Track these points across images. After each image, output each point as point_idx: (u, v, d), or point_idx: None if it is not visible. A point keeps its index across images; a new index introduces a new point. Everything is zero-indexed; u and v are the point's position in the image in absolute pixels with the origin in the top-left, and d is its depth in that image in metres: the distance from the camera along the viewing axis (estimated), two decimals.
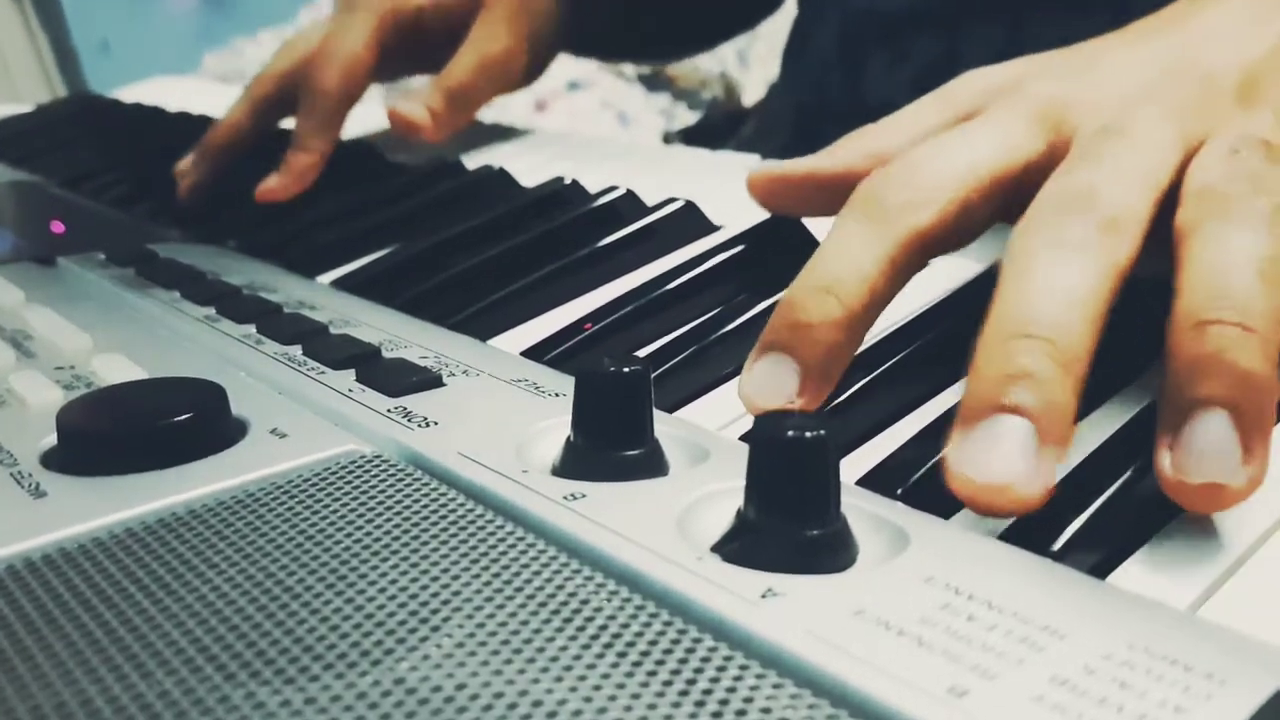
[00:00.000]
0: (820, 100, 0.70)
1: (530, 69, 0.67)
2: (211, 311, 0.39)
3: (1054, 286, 0.26)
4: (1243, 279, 0.25)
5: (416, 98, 0.59)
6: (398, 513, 0.24)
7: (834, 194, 0.34)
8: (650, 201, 0.47)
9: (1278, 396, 0.24)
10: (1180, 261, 0.26)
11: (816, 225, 0.42)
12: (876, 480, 0.27)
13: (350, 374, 0.32)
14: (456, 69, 0.61)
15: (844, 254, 0.29)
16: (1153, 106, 0.31)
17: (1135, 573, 0.23)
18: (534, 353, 0.37)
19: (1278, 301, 0.25)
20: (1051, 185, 0.29)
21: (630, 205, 0.48)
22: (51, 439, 0.28)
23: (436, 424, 0.28)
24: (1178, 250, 0.27)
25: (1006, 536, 0.24)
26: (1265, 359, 0.24)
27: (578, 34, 0.70)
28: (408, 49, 0.64)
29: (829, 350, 0.28)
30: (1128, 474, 0.25)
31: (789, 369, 0.28)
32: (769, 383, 0.28)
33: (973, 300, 0.33)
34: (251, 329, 0.37)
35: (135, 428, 0.27)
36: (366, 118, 0.74)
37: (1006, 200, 0.31)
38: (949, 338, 0.33)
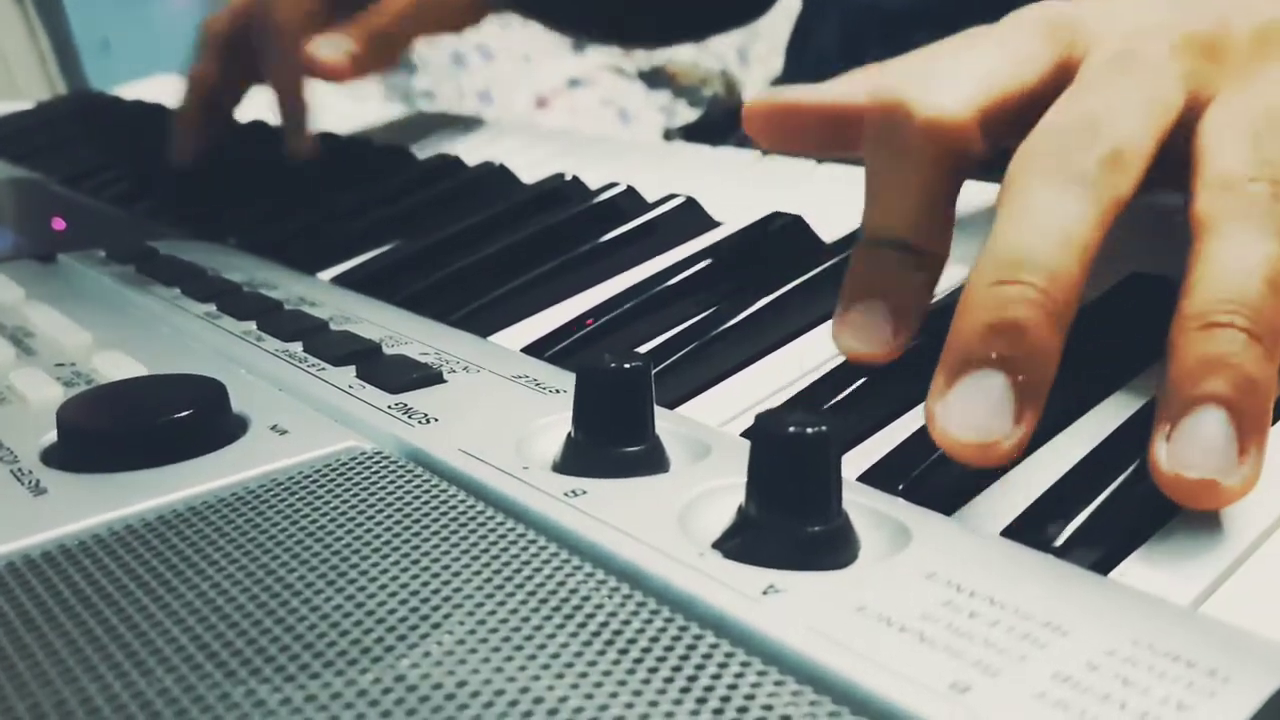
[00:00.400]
0: None
1: (471, 12, 0.66)
2: (212, 308, 0.39)
3: (1051, 223, 0.26)
4: (1256, 286, 0.24)
5: (336, 40, 0.59)
6: (398, 509, 0.24)
7: (839, 127, 0.33)
8: (651, 198, 0.47)
9: (1274, 400, 0.24)
10: (1194, 256, 0.26)
11: (817, 224, 0.42)
12: (878, 476, 0.27)
13: (351, 370, 0.32)
14: (382, 10, 0.61)
15: (894, 191, 0.30)
16: (1163, 40, 0.30)
17: (1137, 569, 0.23)
18: (535, 349, 0.37)
19: None
20: (1054, 113, 0.29)
21: (631, 201, 0.48)
22: (52, 436, 0.28)
23: (437, 420, 0.28)
24: (1194, 244, 0.26)
25: (1009, 532, 0.24)
26: (1269, 366, 0.24)
27: None
28: None
29: (912, 291, 0.29)
30: (1130, 470, 0.25)
31: (876, 320, 0.30)
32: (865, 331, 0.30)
33: None
34: (252, 326, 0.37)
35: (135, 425, 0.27)
36: (365, 115, 0.74)
37: (1020, 112, 0.30)
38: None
